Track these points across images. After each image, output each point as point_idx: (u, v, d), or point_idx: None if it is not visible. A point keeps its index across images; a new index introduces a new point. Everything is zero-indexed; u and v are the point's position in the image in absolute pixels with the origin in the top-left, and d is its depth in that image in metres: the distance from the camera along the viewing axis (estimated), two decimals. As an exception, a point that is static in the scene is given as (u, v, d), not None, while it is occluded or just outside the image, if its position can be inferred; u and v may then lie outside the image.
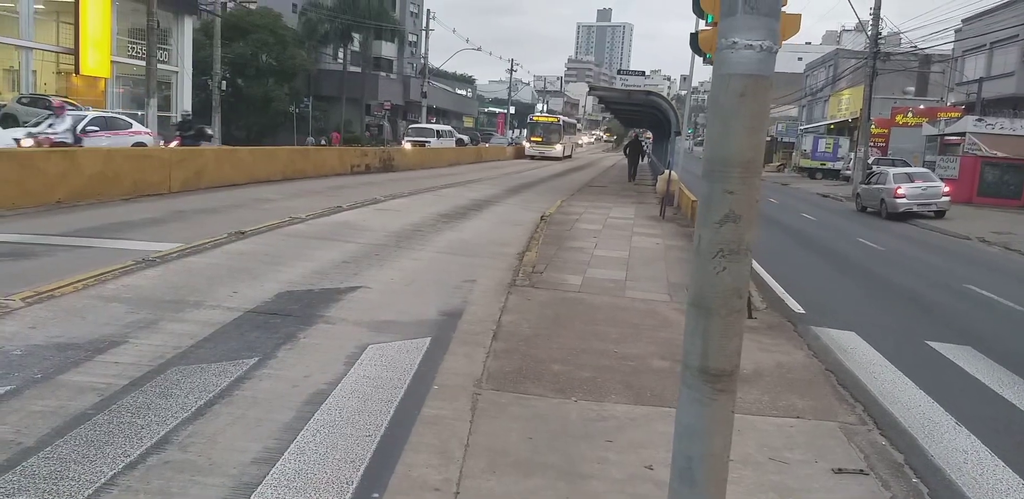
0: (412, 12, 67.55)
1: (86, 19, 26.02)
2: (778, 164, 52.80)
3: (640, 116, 34.30)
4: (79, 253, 7.54)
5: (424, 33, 51.13)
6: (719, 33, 1.86)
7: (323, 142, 38.68)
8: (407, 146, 32.10)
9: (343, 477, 3.22)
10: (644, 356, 5.34)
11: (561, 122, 48.36)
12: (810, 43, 74.52)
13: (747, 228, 1.85)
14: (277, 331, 5.26)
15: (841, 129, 45.83)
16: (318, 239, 9.34)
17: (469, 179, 22.81)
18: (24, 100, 23.50)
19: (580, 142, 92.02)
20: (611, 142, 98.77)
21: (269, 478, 3.16)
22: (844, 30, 69.65)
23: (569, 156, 49.55)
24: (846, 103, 46.61)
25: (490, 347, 5.31)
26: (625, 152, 30.81)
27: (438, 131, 39.79)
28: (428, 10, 49.82)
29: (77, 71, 26.78)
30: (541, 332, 5.84)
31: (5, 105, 23.80)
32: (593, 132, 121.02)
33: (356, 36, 46.98)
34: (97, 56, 26.93)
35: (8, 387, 3.87)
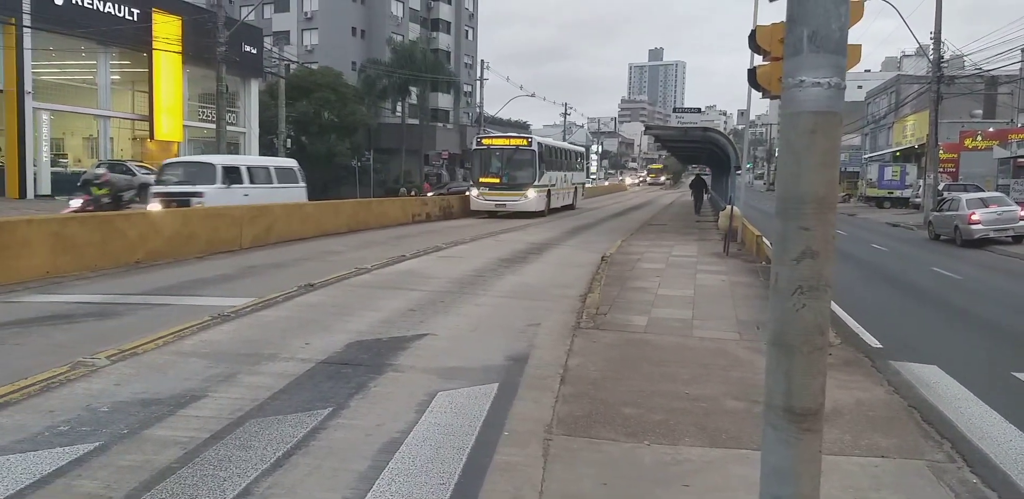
0: (466, 63, 69.51)
1: (159, 87, 27.62)
2: (844, 194, 51.71)
3: (697, 152, 34.19)
4: (158, 311, 7.86)
5: (479, 83, 52.38)
6: (784, 72, 1.90)
7: (413, 193, 39.56)
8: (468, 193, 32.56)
9: (419, 526, 3.23)
10: (717, 397, 5.23)
11: (536, 146, 25.52)
12: (869, 70, 73.40)
13: (825, 264, 1.85)
14: (349, 381, 5.36)
15: (907, 156, 44.66)
16: (384, 288, 9.53)
17: (526, 223, 22.99)
18: (102, 167, 24.93)
19: (607, 181, 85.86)
20: (667, 180, 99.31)
21: (347, 528, 3.20)
22: (904, 55, 68.51)
23: (571, 206, 31.08)
24: (911, 129, 45.50)
25: (558, 391, 5.29)
26: (691, 188, 35.33)
27: None
28: (482, 61, 51.11)
29: (152, 136, 28.35)
30: (609, 375, 5.78)
31: (85, 172, 25.26)
32: (639, 173, 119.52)
33: (413, 89, 48.50)
34: (170, 121, 28.46)
35: (97, 443, 4.03)
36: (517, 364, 6.04)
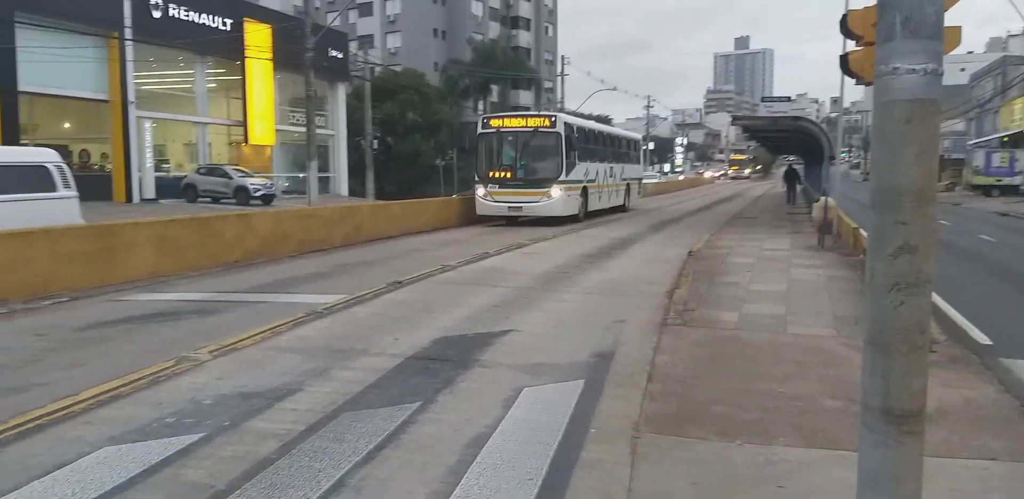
0: (547, 59, 69.46)
1: (252, 94, 28.74)
2: (947, 183, 48.89)
3: (788, 142, 33.03)
4: (256, 308, 8.19)
5: (559, 79, 52.24)
6: (877, 59, 1.80)
7: None
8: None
9: (508, 522, 3.24)
10: (813, 395, 5.04)
11: (562, 128, 19.36)
12: (972, 52, 69.24)
13: (925, 259, 1.74)
14: (436, 376, 5.44)
15: (1016, 141, 41.90)
16: (469, 285, 9.63)
17: (608, 218, 22.78)
18: (202, 170, 26.14)
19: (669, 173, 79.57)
20: (753, 173, 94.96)
21: (437, 522, 3.24)
22: (1010, 35, 64.38)
23: (622, 207, 25.45)
24: (1020, 113, 42.70)
25: (646, 389, 5.21)
26: (784, 179, 33.94)
27: None
28: (563, 56, 50.92)
29: (246, 141, 29.53)
30: (698, 373, 5.66)
31: (187, 176, 26.55)
32: (720, 166, 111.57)
33: (495, 87, 48.87)
34: (263, 126, 29.58)
35: (201, 434, 4.22)
36: (603, 361, 5.99)
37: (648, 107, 73.46)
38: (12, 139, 21.10)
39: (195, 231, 11.48)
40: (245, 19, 27.95)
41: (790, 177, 32.98)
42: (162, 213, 16.52)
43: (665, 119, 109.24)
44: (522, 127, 19.49)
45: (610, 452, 4.06)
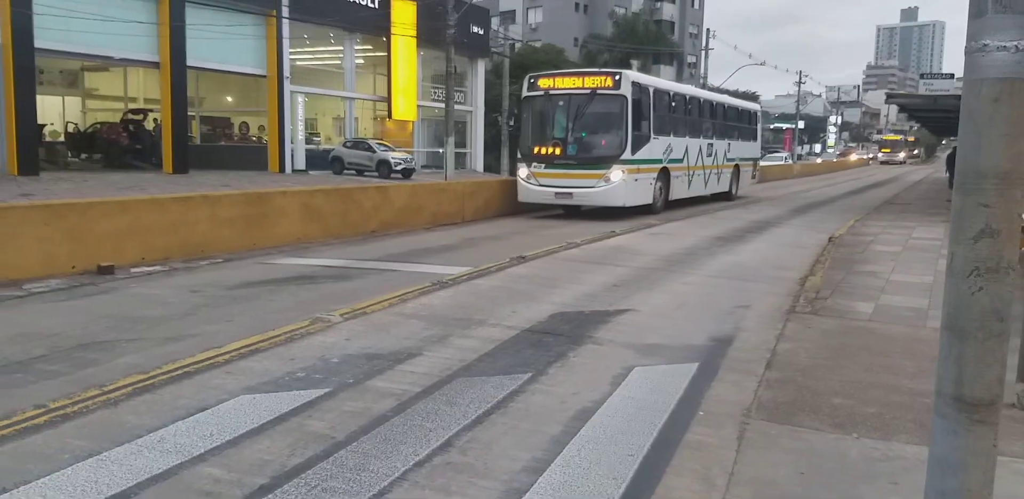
0: (691, 33, 67.34)
1: (397, 70, 29.71)
2: None
3: (953, 123, 30.57)
4: (387, 276, 8.61)
5: (703, 53, 50.57)
6: (968, 35, 1.71)
7: None
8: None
9: (605, 493, 3.30)
10: (944, 393, 4.74)
11: (630, 89, 14.83)
12: None
13: (1007, 244, 1.66)
14: (549, 349, 5.54)
15: None
16: (591, 263, 9.65)
17: (747, 200, 21.97)
18: (348, 144, 27.43)
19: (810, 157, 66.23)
20: (908, 157, 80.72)
21: (536, 486, 3.35)
22: None
23: (728, 194, 21.30)
24: None
25: (762, 376, 5.08)
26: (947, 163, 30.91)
27: None
28: (708, 29, 49.24)
29: (390, 116, 30.65)
30: (821, 363, 5.44)
31: (334, 149, 27.96)
32: (869, 150, 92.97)
33: (635, 62, 47.95)
34: (406, 102, 30.57)
35: (327, 389, 4.54)
36: (721, 345, 5.88)
37: (799, 83, 69.58)
38: (181, 111, 23.00)
39: (337, 201, 12.14)
40: (393, -3, 28.85)
41: (952, 161, 31.12)
42: (310, 183, 17.56)
43: (818, 96, 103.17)
44: (577, 88, 15.04)
45: (715, 436, 4.02)
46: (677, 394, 4.64)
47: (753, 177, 24.51)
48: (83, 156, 26.06)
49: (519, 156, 16.29)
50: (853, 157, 75.40)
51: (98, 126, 26.23)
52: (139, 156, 24.73)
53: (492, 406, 4.33)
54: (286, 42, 25.23)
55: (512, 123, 30.64)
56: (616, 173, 14.66)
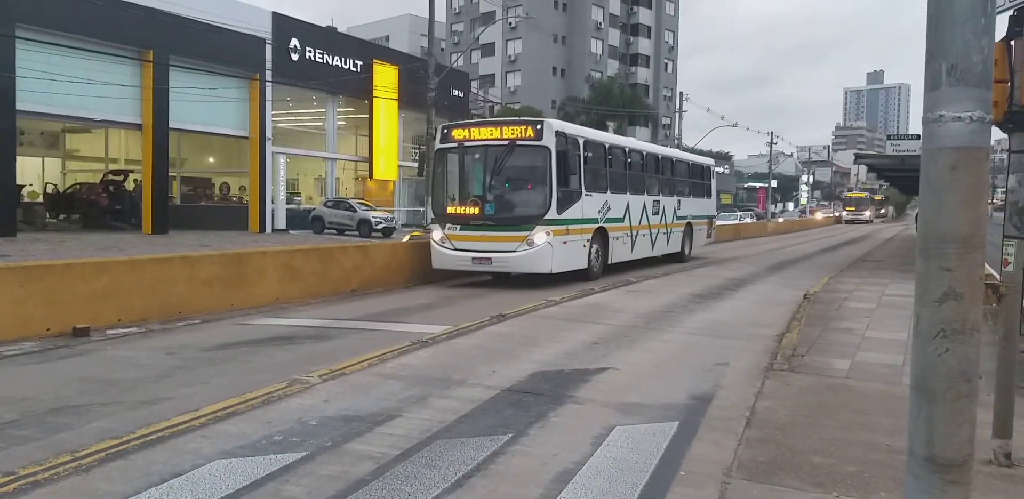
0: (666, 96, 69.37)
1: (378, 131, 30.26)
2: None
3: (919, 182, 31.43)
4: (366, 335, 8.57)
5: (677, 115, 52.00)
6: (924, 107, 1.83)
7: None
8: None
9: (586, 558, 3.26)
10: (921, 451, 4.76)
11: (552, 139, 12.97)
12: None
13: (971, 307, 1.73)
14: (530, 409, 5.52)
15: None
16: (570, 321, 9.69)
17: (724, 257, 22.26)
18: (329, 203, 27.63)
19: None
20: (874, 215, 77.44)
21: (516, 553, 3.30)
22: None
23: (679, 255, 19.81)
24: None
25: (742, 434, 5.08)
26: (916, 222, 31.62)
27: None
28: (681, 93, 50.79)
29: (371, 176, 31.01)
30: (800, 420, 5.46)
31: (315, 208, 28.13)
32: (829, 206, 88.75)
33: (611, 124, 49.19)
34: (387, 162, 31.01)
35: (304, 453, 4.48)
36: (700, 404, 5.89)
37: (771, 143, 71.54)
38: (162, 172, 23.12)
39: (317, 261, 12.15)
40: (375, 61, 29.63)
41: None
42: (290, 243, 17.59)
43: (790, 156, 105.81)
44: (494, 139, 13.28)
45: (697, 496, 4.00)
46: (658, 454, 4.63)
47: (709, 236, 22.74)
48: (62, 217, 25.99)
49: (431, 216, 14.82)
50: (819, 215, 71.49)
51: (78, 187, 26.28)
52: (119, 217, 24.73)
53: (472, 469, 4.29)
54: (269, 105, 25.70)
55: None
56: (540, 235, 12.86)
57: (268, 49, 25.14)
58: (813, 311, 10.85)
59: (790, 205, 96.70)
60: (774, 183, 77.79)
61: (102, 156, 29.57)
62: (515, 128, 13.28)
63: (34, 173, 27.90)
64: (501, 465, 4.37)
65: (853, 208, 70.29)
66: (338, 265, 12.48)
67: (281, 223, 26.91)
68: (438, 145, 14.09)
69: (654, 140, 57.64)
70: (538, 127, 13.04)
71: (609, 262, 15.32)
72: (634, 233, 16.54)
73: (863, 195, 74.93)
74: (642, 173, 17.59)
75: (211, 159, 31.37)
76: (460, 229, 13.40)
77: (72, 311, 8.41)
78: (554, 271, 13.14)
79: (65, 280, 8.51)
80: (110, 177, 26.08)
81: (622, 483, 4.12)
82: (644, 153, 17.94)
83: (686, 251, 20.32)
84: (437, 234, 13.73)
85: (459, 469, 4.27)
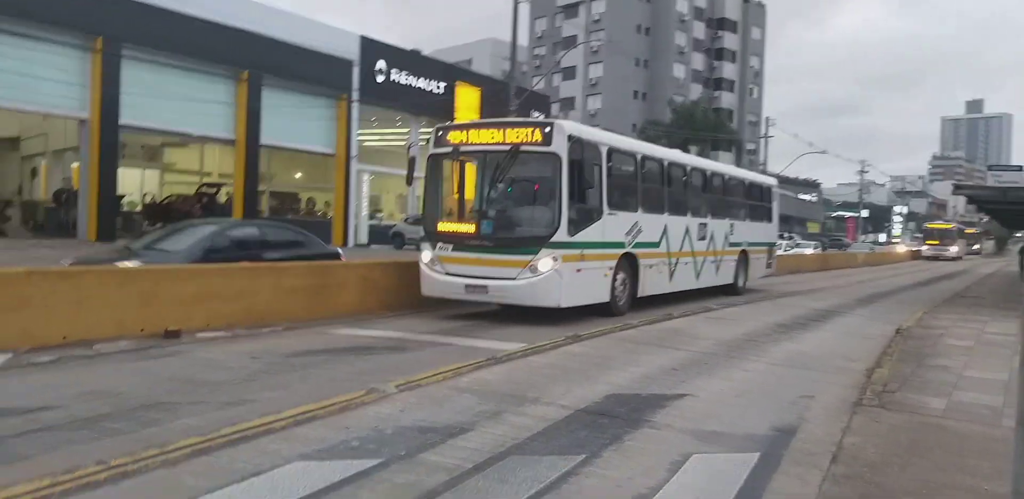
0: (751, 121, 68.20)
1: (461, 151, 30.65)
2: None
3: (1023, 216, 29.86)
4: (441, 349, 8.64)
5: (763, 140, 50.98)
6: None
7: None
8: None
9: (661, 586, 3.15)
10: None
11: (565, 144, 10.61)
12: None
13: None
14: (604, 431, 5.42)
15: None
16: (647, 345, 9.52)
17: (812, 287, 21.54)
18: (409, 220, 28.17)
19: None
20: (967, 248, 66.85)
21: (589, 575, 3.22)
22: None
23: (733, 287, 17.29)
24: None
25: (828, 470, 4.85)
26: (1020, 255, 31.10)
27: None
28: (767, 118, 49.80)
29: (452, 194, 31.39)
30: (891, 459, 5.18)
31: (395, 225, 28.70)
32: (916, 237, 75.27)
33: (693, 148, 48.61)
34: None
35: (379, 460, 4.52)
36: (783, 436, 5.66)
37: (862, 171, 69.23)
38: (252, 186, 24.06)
39: (394, 275, 12.35)
40: (458, 83, 30.22)
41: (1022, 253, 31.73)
42: (371, 257, 17.95)
43: (882, 185, 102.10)
44: (495, 144, 11.11)
45: (779, 530, 3.83)
46: (737, 484, 4.46)
47: (768, 266, 20.01)
48: (157, 225, 27.29)
49: (422, 235, 12.21)
50: (901, 248, 62.14)
51: (173, 198, 27.59)
52: (210, 227, 25.75)
53: (544, 487, 4.23)
54: (354, 123, 26.50)
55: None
56: (545, 260, 10.54)
57: (355, 71, 25.98)
58: (906, 346, 10.35)
59: (881, 236, 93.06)
60: (865, 213, 75.08)
61: (197, 169, 31.01)
62: (520, 131, 11.03)
63: (133, 184, 29.45)
64: (574, 485, 4.30)
65: (936, 242, 57.29)
66: (415, 280, 12.63)
67: (363, 238, 27.56)
68: (432, 149, 11.82)
69: (738, 164, 56.51)
70: (547, 130, 10.79)
71: (640, 294, 12.88)
72: (673, 261, 14.10)
73: (949, 226, 61.17)
74: (685, 190, 15.11)
75: (298, 175, 32.48)
76: (452, 250, 11.22)
77: (165, 314, 8.79)
78: (563, 305, 10.80)
79: (160, 284, 8.91)
80: (204, 190, 27.28)
81: (700, 511, 3.99)
82: (689, 167, 15.32)
83: (740, 283, 17.76)
84: (427, 255, 11.52)
85: (531, 486, 4.21)
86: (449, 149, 11.57)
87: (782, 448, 5.32)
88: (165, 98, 20.22)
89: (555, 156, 10.66)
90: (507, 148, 10.90)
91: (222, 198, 27.22)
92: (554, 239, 10.61)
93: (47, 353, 7.35)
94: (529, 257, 10.61)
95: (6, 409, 5.34)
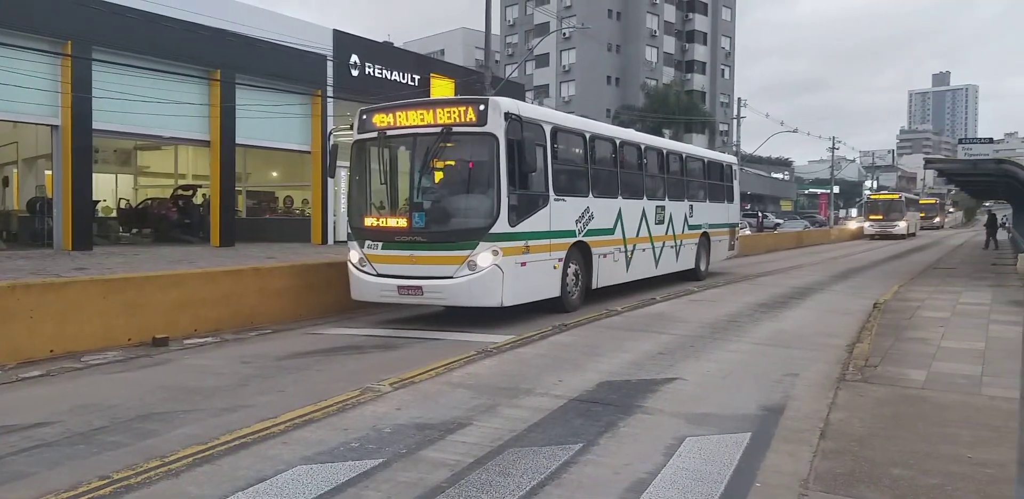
0: (723, 102, 68.55)
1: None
2: None
3: (993, 187, 30.35)
4: (431, 345, 8.70)
5: (735, 121, 51.28)
6: None
7: None
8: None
9: (665, 568, 3.26)
10: (1006, 463, 4.61)
11: (502, 123, 9.57)
12: None
13: None
14: (599, 419, 5.53)
15: None
16: (632, 331, 9.65)
17: (789, 265, 21.83)
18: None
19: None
20: (938, 225, 64.25)
21: (594, 561, 3.32)
22: None
23: (694, 272, 16.54)
24: None
25: (817, 446, 5.00)
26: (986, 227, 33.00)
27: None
28: (739, 99, 50.06)
29: (429, 187, 31.29)
30: (877, 432, 5.34)
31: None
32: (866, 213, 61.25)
33: (667, 132, 48.80)
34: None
35: (381, 459, 4.59)
36: (772, 415, 5.81)
37: (833, 148, 69.83)
38: (229, 186, 23.87)
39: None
40: (432, 75, 30.07)
41: (992, 224, 33.35)
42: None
43: (852, 161, 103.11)
44: (425, 126, 10.02)
45: (774, 508, 3.96)
46: (732, 465, 4.59)
47: (731, 248, 19.25)
48: (134, 231, 27.02)
49: (348, 231, 11.02)
50: (852, 225, 53.70)
51: (149, 202, 27.31)
52: (188, 230, 25.59)
53: (545, 477, 4.32)
54: (330, 120, 26.30)
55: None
56: (484, 255, 9.56)
57: (329, 66, 25.78)
58: (884, 320, 10.57)
59: (853, 211, 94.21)
60: (836, 189, 75.88)
61: (172, 172, 30.69)
62: (452, 110, 9.91)
63: (108, 189, 29.10)
64: (574, 474, 4.40)
65: (879, 217, 45.04)
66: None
67: (342, 236, 27.41)
68: (356, 135, 10.73)
69: (711, 146, 56.75)
70: (481, 107, 9.73)
71: (594, 286, 12.04)
72: (630, 248, 13.27)
73: (895, 197, 48.71)
74: (641, 172, 14.13)
75: (275, 173, 32.23)
76: (382, 248, 10.13)
77: (151, 321, 8.76)
78: (507, 304, 9.81)
79: (144, 292, 8.88)
80: (180, 192, 27.05)
81: (697, 494, 4.10)
82: (643, 147, 14.26)
83: (702, 267, 17.07)
84: (354, 254, 10.39)
85: (533, 477, 4.31)
86: (374, 134, 10.40)
87: (772, 427, 5.46)
88: (137, 101, 19.96)
89: (491, 137, 9.65)
90: (438, 130, 9.83)
91: (198, 200, 26.99)
92: (493, 230, 9.61)
93: (35, 367, 7.33)
94: (467, 252, 9.61)
95: (2, 427, 5.34)
